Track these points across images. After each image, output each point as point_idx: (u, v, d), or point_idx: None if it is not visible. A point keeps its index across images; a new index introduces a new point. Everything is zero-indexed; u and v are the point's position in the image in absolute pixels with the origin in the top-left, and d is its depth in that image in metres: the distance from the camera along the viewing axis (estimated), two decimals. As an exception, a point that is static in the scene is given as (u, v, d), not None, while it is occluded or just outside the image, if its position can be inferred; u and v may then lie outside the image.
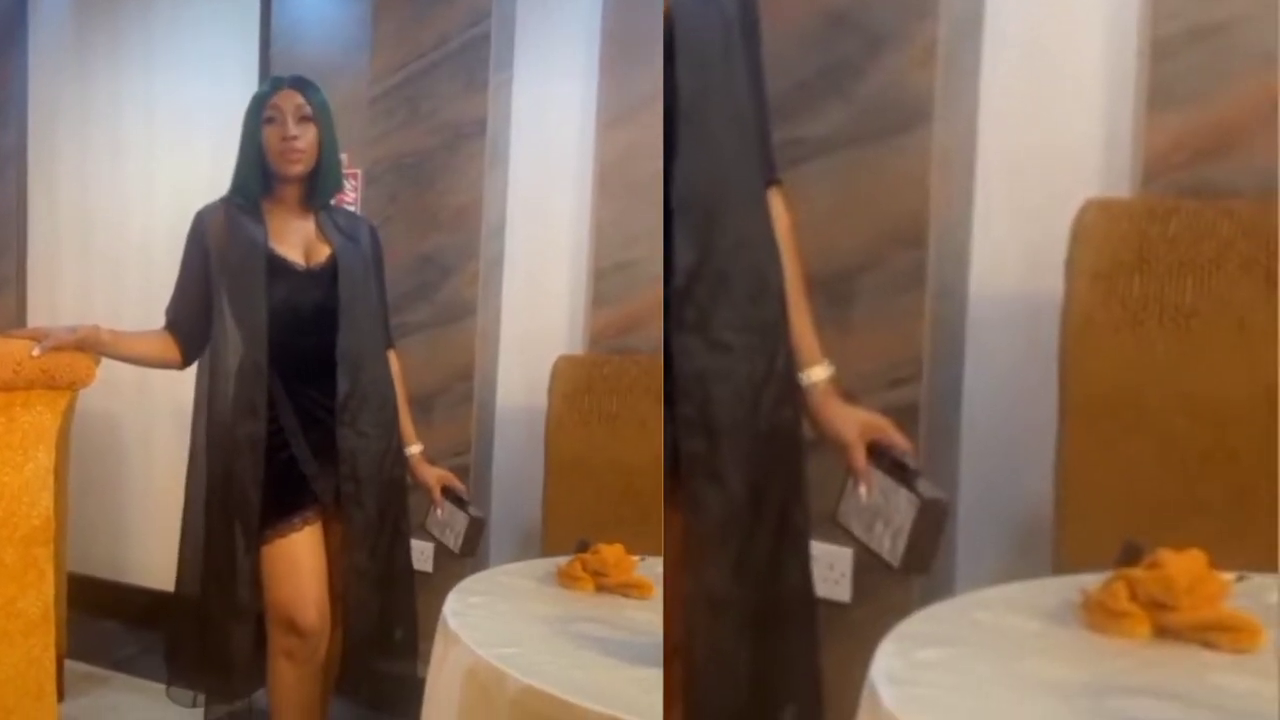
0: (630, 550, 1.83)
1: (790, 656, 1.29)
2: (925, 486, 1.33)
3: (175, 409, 2.74)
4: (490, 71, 2.37)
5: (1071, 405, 1.68)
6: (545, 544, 2.26)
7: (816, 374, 1.38)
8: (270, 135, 1.88)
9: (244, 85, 2.68)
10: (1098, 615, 1.19)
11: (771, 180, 1.36)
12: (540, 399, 2.36)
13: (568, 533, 2.23)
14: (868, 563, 1.81)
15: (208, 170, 2.75)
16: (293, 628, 1.87)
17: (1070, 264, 1.69)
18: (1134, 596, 1.18)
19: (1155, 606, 1.17)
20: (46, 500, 1.72)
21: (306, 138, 1.89)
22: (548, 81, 2.39)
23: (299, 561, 1.88)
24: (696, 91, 1.23)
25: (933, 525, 1.33)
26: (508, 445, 2.45)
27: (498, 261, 2.43)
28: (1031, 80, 1.82)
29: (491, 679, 1.20)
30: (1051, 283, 1.76)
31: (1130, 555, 1.29)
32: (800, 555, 1.30)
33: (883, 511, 1.37)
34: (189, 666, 2.01)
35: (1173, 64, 1.68)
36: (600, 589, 1.61)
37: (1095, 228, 1.69)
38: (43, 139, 3.21)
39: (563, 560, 1.69)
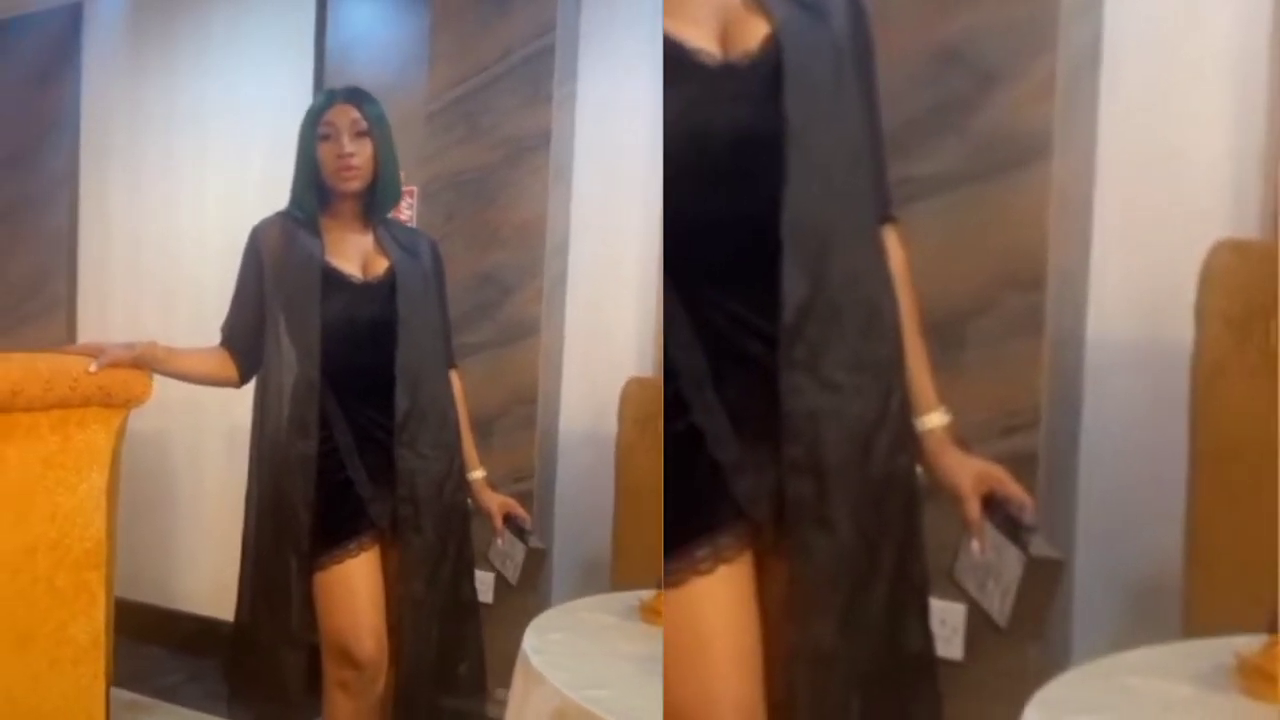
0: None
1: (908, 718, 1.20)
2: (1037, 544, 1.26)
3: (227, 429, 2.69)
4: (555, 84, 2.30)
5: (1202, 456, 1.62)
6: (614, 575, 2.16)
7: (933, 420, 1.31)
8: (325, 152, 1.84)
9: (298, 99, 2.63)
10: (1255, 680, 1.13)
11: (887, 217, 1.29)
12: (606, 423, 2.27)
13: (638, 564, 2.13)
14: (982, 620, 1.74)
15: (260, 186, 2.71)
16: (348, 658, 1.79)
17: (1201, 308, 1.63)
18: (1295, 661, 1.09)
19: (1321, 671, 1.08)
20: (100, 523, 1.66)
21: (363, 153, 1.83)
22: (614, 94, 2.32)
23: (355, 589, 1.81)
24: (807, 120, 1.15)
25: (1042, 585, 1.27)
26: (571, 472, 2.37)
27: (561, 280, 2.36)
28: (1152, 116, 1.76)
29: (583, 723, 1.11)
30: (1175, 328, 1.69)
31: None
32: (919, 612, 1.21)
33: (994, 568, 1.30)
34: (246, 693, 1.97)
35: None
36: (689, 626, 1.51)
37: (1227, 271, 1.63)
38: (94, 159, 3.19)
39: (646, 594, 1.60)
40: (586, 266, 2.34)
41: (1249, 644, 1.17)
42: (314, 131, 1.85)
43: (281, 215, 1.92)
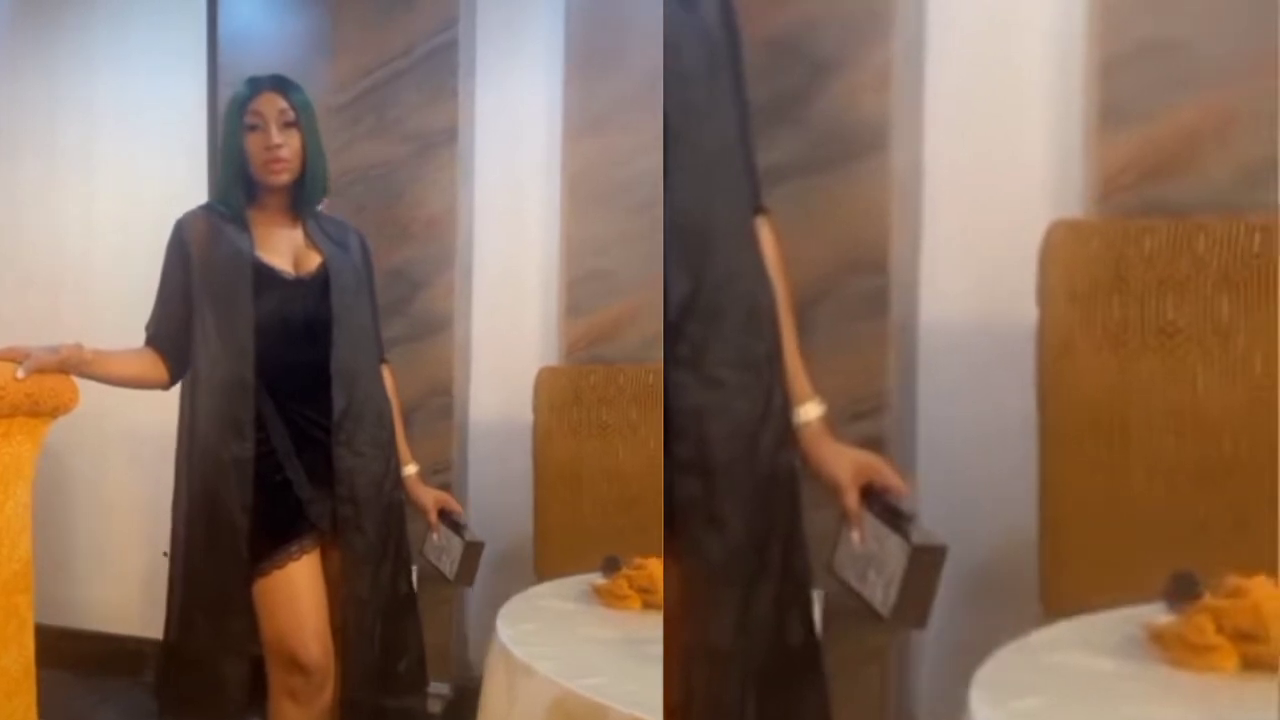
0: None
1: (799, 714, 1.24)
2: (919, 532, 1.28)
3: (129, 435, 2.59)
4: (459, 80, 2.32)
5: (1053, 431, 1.66)
6: (538, 561, 2.20)
7: (809, 412, 1.34)
8: (253, 143, 1.78)
9: (192, 90, 2.56)
10: (1178, 650, 1.16)
11: (759, 208, 1.31)
12: (516, 411, 2.30)
13: (560, 547, 2.18)
14: (839, 607, 1.73)
15: (154, 182, 2.62)
16: (295, 664, 1.75)
17: (1044, 286, 1.68)
18: (1220, 628, 1.15)
19: (1241, 638, 1.14)
20: (26, 542, 1.58)
21: (291, 145, 1.79)
22: (513, 89, 2.35)
23: (298, 593, 1.77)
24: (684, 111, 1.18)
25: (926, 573, 1.28)
26: (481, 461, 2.39)
27: (467, 273, 2.38)
28: (976, 104, 1.80)
29: (586, 712, 1.15)
30: (1007, 308, 1.74)
31: (1185, 586, 1.27)
32: (804, 606, 1.25)
33: (876, 558, 1.32)
34: (180, 711, 1.89)
35: (1123, 82, 1.68)
36: (648, 606, 1.55)
37: (1066, 249, 1.68)
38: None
39: (595, 579, 1.64)
40: (491, 259, 2.37)
41: (1150, 614, 1.22)
42: (240, 122, 1.79)
43: (206, 208, 1.86)
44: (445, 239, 2.32)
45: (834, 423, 1.67)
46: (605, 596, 1.61)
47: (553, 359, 2.28)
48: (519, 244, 2.35)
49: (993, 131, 1.79)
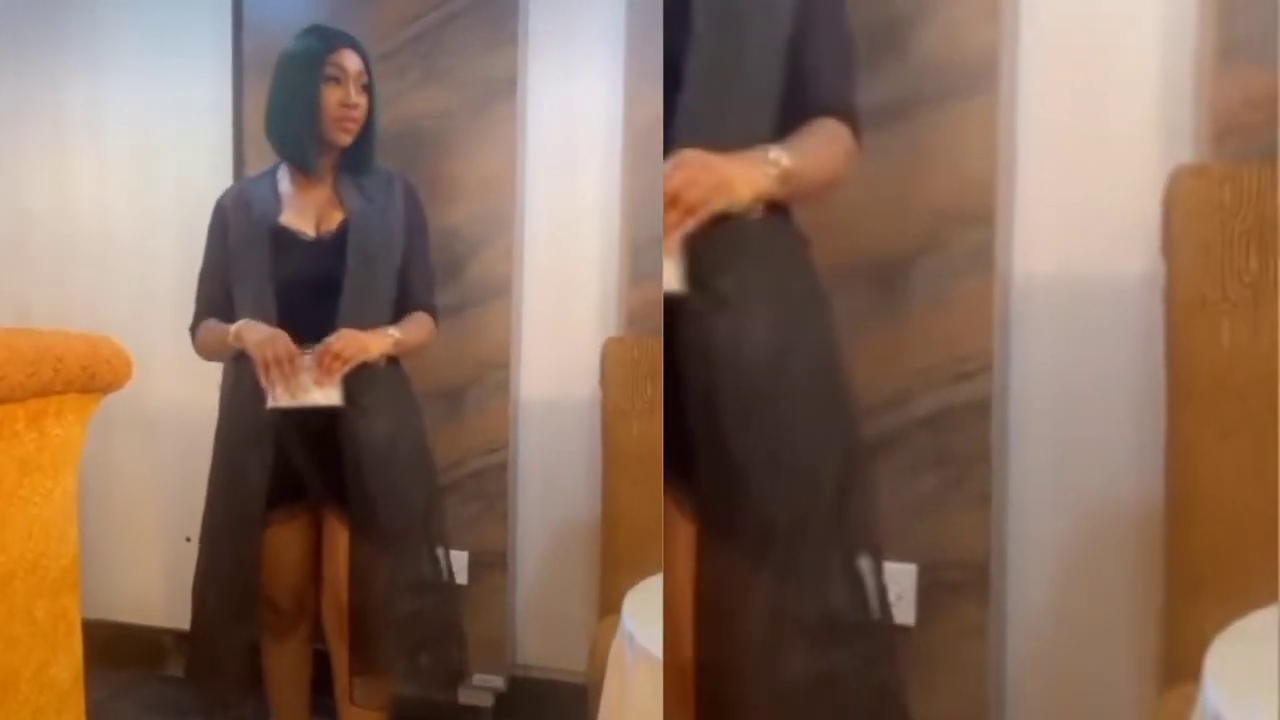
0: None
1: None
2: None
3: (133, 421, 2.40)
4: (518, 23, 2.13)
5: (1182, 393, 1.55)
6: (606, 547, 2.04)
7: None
8: (328, 97, 1.74)
9: (211, 44, 2.34)
10: None
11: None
12: (574, 387, 2.15)
13: (632, 533, 2.03)
14: (934, 580, 1.72)
15: (169, 150, 2.41)
16: (271, 606, 1.84)
17: (1170, 238, 1.55)
18: None
19: None
20: (74, 534, 1.39)
21: (363, 105, 1.77)
22: (567, 37, 2.16)
23: (281, 552, 1.81)
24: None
25: None
26: (535, 439, 2.22)
27: (521, 237, 2.20)
28: (1078, 45, 1.70)
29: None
30: (1108, 261, 1.67)
31: None
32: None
33: None
34: (213, 691, 1.85)
35: (1240, 17, 1.58)
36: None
37: (1194, 196, 1.55)
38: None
39: None
40: (545, 222, 2.19)
41: None
42: (318, 72, 1.72)
43: (244, 183, 1.88)
44: (503, 198, 2.13)
45: (935, 383, 1.66)
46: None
47: (612, 330, 2.12)
48: (576, 206, 2.17)
49: (1095, 74, 1.68)
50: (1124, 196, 1.68)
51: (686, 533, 1.15)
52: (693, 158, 1.08)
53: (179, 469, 2.35)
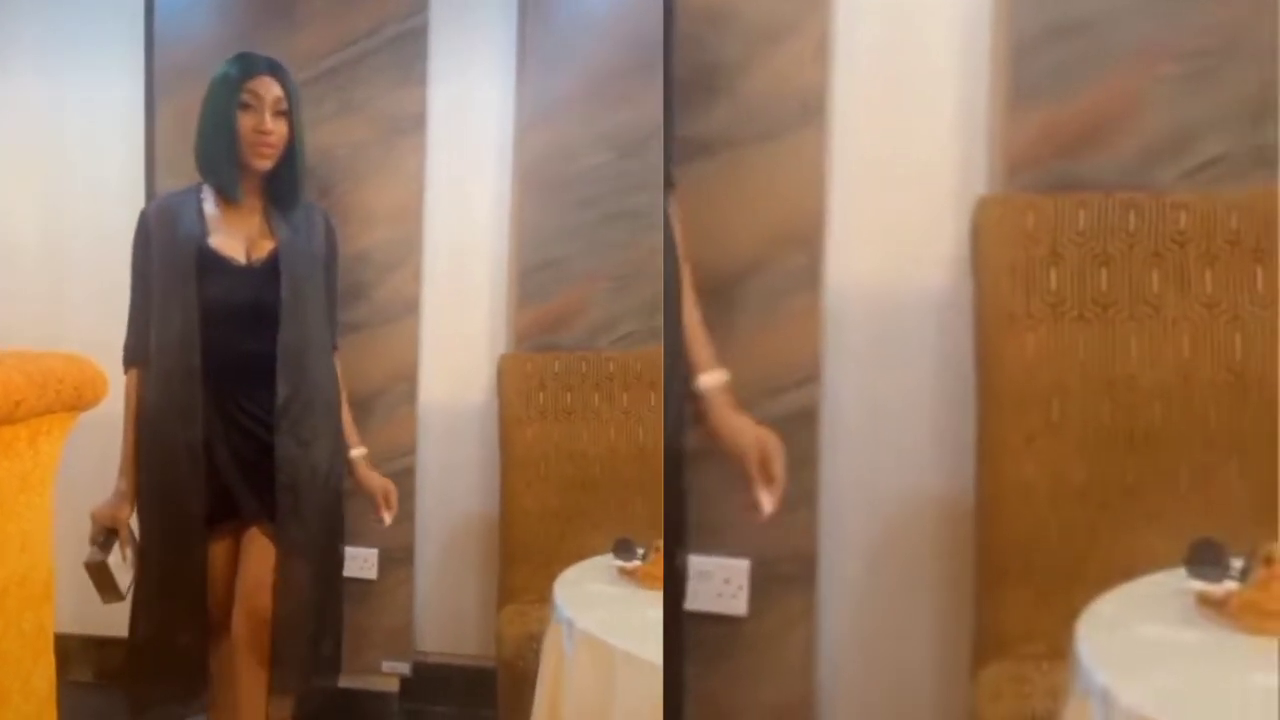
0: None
1: None
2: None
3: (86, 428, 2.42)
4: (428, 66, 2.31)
5: (992, 400, 1.73)
6: (503, 538, 2.26)
7: (710, 380, 1.44)
8: (244, 122, 1.80)
9: (127, 74, 2.38)
10: (1250, 617, 1.15)
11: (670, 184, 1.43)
12: (471, 396, 2.35)
13: (528, 533, 2.25)
14: (766, 574, 1.86)
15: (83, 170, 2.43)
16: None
17: (979, 259, 1.75)
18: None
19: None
20: (49, 550, 1.50)
21: (279, 132, 1.82)
22: (464, 81, 2.36)
23: (215, 569, 1.83)
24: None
25: None
26: (437, 444, 2.42)
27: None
28: (886, 81, 1.87)
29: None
30: (914, 278, 1.86)
31: (1211, 553, 1.31)
32: None
33: None
34: (152, 700, 1.85)
35: (1033, 61, 1.78)
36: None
37: (1002, 223, 1.74)
38: None
39: (609, 561, 1.71)
40: (445, 248, 2.38)
41: (1173, 580, 1.26)
42: (235, 99, 1.79)
43: (168, 197, 1.88)
44: (410, 225, 2.32)
45: (766, 394, 1.81)
46: (646, 579, 1.63)
47: (502, 347, 2.34)
48: (471, 233, 2.38)
49: (901, 110, 1.87)
50: (928, 221, 1.86)
51: None
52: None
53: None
